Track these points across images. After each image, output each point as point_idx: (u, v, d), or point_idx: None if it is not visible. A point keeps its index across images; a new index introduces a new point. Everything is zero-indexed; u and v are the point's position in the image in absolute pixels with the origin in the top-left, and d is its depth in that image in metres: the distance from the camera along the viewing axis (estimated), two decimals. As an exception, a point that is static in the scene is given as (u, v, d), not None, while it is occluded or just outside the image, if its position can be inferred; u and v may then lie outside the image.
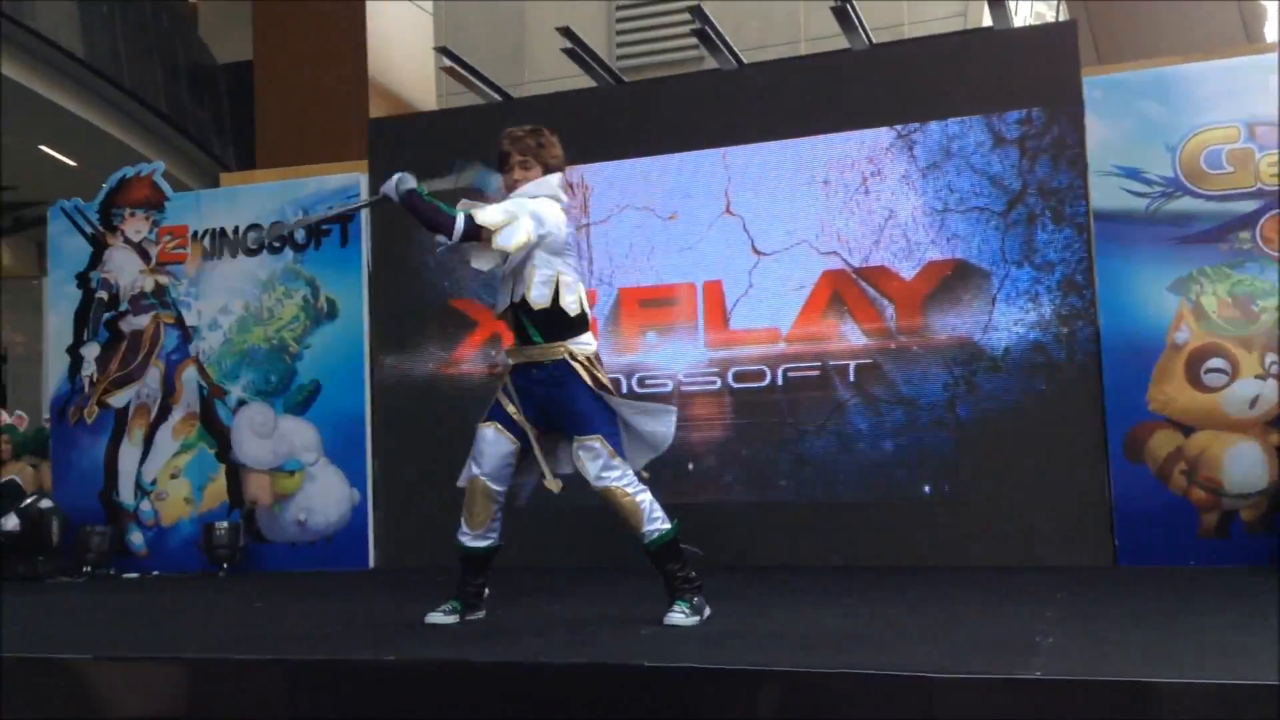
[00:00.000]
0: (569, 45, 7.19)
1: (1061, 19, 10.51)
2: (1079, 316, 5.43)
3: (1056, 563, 5.15)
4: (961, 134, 5.71)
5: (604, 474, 3.74)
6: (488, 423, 3.87)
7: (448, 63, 8.40)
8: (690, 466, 5.93)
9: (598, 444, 3.75)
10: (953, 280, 5.67)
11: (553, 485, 3.89)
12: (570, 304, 3.82)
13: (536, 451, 3.86)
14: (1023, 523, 5.40)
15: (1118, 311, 5.35)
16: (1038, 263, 5.54)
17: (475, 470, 3.86)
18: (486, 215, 3.71)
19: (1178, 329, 5.29)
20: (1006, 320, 5.55)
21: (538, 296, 3.78)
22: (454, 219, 3.69)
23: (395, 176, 3.79)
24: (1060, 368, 5.45)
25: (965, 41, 6.03)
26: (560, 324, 3.81)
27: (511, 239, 3.69)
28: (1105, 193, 5.42)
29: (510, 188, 3.87)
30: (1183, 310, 5.28)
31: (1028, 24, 9.44)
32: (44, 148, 12.45)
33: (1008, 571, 5.04)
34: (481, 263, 3.85)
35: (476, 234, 3.71)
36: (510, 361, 3.94)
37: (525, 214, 3.73)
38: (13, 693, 3.56)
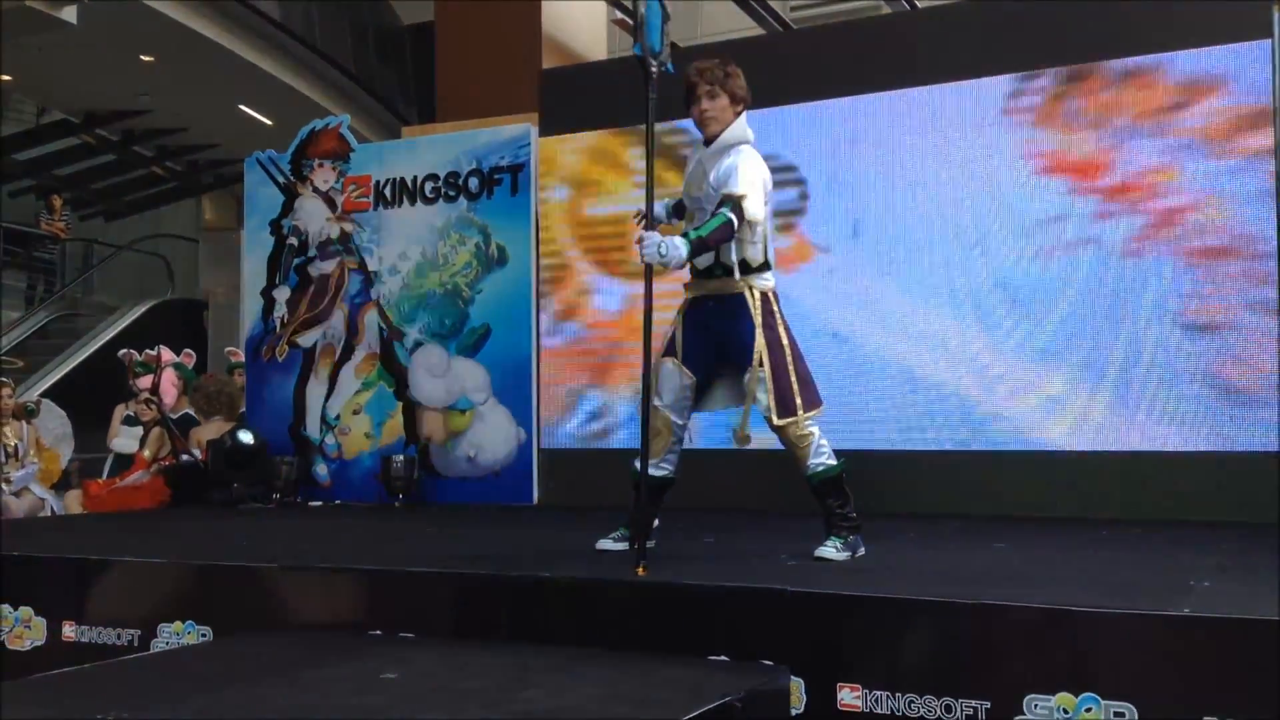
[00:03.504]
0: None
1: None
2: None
3: (1235, 517, 4.94)
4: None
5: None
6: (665, 356, 3.95)
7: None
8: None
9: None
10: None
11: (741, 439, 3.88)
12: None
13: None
14: (1194, 477, 5.21)
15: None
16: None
17: (656, 402, 3.92)
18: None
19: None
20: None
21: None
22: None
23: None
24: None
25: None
26: (746, 263, 3.84)
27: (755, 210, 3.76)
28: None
29: (698, 118, 3.87)
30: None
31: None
32: (243, 107, 13.16)
33: (1179, 525, 4.88)
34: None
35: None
36: (688, 295, 3.97)
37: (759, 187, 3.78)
38: (214, 595, 3.94)
